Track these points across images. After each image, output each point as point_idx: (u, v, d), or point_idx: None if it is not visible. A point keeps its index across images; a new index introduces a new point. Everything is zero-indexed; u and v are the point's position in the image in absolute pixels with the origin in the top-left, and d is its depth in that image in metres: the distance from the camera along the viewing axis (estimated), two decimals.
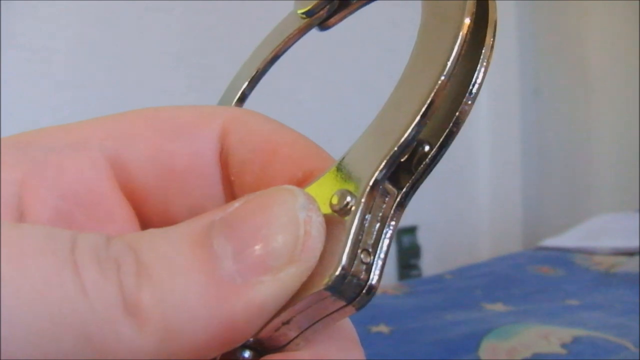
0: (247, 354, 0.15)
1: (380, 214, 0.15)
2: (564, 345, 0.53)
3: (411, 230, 1.40)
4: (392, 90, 0.15)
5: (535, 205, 1.59)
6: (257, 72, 0.22)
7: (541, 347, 0.53)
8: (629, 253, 0.95)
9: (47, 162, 0.16)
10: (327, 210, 0.15)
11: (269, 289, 0.13)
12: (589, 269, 0.89)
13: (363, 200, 0.14)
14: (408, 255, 1.39)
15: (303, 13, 0.21)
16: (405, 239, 1.39)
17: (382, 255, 0.15)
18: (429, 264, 1.41)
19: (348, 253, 0.14)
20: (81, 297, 0.12)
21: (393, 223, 0.15)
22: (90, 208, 0.16)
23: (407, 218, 1.39)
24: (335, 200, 0.15)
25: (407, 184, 0.15)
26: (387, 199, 0.15)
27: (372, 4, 0.20)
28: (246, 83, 0.22)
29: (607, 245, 1.01)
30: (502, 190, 1.57)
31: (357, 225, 0.14)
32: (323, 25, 0.21)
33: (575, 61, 1.59)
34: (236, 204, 0.14)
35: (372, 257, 0.14)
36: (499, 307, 0.69)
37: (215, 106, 0.19)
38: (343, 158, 0.15)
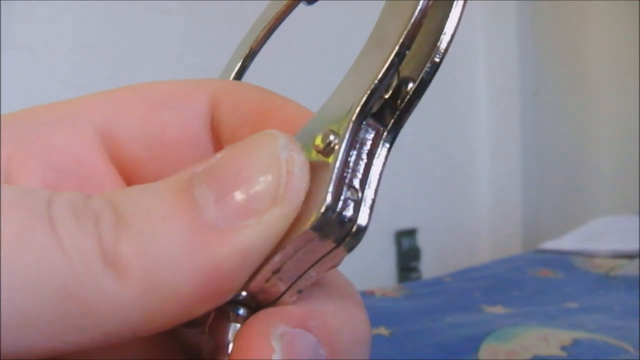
0: (241, 310, 0.15)
1: (367, 151, 0.14)
2: (563, 348, 0.53)
3: (411, 233, 1.40)
4: (370, 34, 0.15)
5: (535, 208, 1.58)
6: (250, 50, 0.23)
7: (541, 349, 0.53)
8: (629, 256, 0.95)
9: (35, 136, 0.16)
10: (313, 156, 0.14)
11: (253, 232, 0.13)
12: (588, 271, 0.89)
13: (346, 135, 0.14)
14: (407, 258, 1.39)
15: None
16: (405, 242, 1.39)
17: (370, 193, 0.14)
18: (429, 267, 1.41)
19: (333, 190, 0.13)
20: (58, 250, 0.12)
21: (381, 159, 0.15)
22: (80, 181, 0.16)
23: (407, 220, 1.39)
24: (318, 141, 0.14)
25: (392, 120, 0.15)
26: (372, 135, 0.15)
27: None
28: (240, 62, 0.23)
29: (606, 248, 1.01)
30: (502, 193, 1.57)
31: (341, 161, 0.14)
32: None
33: (575, 62, 1.59)
34: (218, 155, 0.14)
35: (359, 194, 0.14)
36: (498, 309, 0.69)
37: (205, 79, 0.19)
38: (326, 102, 0.15)
